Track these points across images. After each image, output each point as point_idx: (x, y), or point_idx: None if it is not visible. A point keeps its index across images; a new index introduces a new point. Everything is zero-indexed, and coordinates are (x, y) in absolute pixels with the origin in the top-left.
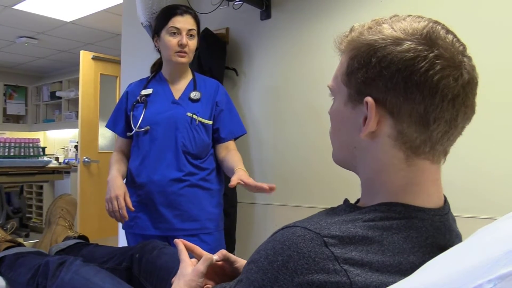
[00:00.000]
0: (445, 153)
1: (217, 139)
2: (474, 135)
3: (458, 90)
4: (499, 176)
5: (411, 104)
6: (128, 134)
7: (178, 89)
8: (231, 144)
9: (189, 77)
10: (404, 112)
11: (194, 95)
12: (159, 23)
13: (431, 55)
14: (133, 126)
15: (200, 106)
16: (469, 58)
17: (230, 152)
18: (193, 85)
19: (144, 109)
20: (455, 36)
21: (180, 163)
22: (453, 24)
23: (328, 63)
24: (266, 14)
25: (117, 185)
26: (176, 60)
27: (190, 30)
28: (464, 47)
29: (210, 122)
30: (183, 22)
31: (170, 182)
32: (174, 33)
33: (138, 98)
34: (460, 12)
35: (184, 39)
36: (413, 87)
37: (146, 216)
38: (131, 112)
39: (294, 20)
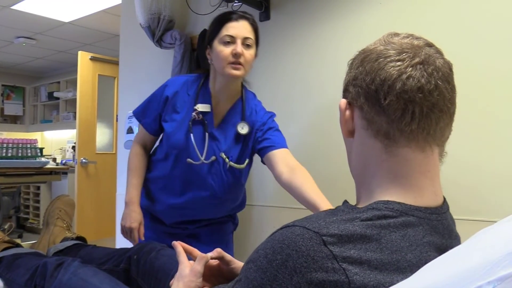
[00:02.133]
0: (425, 140)
1: (265, 148)
2: (476, 136)
3: (405, 69)
4: (501, 179)
5: (365, 89)
6: (157, 157)
7: (219, 111)
8: (288, 156)
9: (236, 95)
10: (363, 99)
11: (242, 127)
12: (211, 32)
13: (382, 48)
14: (163, 144)
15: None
16: (431, 50)
17: (296, 174)
18: (242, 111)
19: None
20: (417, 38)
21: (209, 210)
22: (451, 24)
23: (327, 65)
24: (265, 15)
25: (133, 216)
26: (230, 72)
27: (246, 38)
28: (426, 43)
29: (243, 166)
30: (239, 28)
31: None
32: (228, 42)
33: (194, 114)
34: (459, 12)
35: (239, 48)
36: (365, 75)
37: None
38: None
39: (293, 22)
